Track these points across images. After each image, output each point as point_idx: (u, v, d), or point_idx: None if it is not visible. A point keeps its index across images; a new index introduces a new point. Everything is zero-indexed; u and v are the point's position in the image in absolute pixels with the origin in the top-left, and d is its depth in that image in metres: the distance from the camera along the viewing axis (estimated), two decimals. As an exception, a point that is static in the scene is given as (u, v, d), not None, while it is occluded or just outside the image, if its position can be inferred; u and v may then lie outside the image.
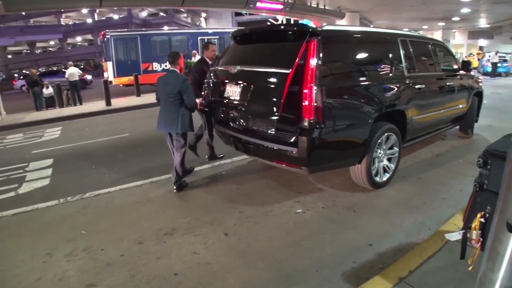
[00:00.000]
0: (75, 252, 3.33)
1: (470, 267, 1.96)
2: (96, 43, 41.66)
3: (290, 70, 3.58)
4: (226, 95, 4.50)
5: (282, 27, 4.08)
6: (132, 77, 15.31)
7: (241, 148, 4.49)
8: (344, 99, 3.87)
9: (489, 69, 21.67)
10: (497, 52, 23.12)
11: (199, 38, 18.54)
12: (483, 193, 2.17)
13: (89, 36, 46.56)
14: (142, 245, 3.39)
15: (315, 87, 3.46)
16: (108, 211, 4.22)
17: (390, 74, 4.44)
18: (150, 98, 13.98)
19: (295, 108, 3.61)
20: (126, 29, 22.17)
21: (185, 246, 3.33)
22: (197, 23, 46.56)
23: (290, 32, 3.94)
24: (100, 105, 12.94)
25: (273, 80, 3.88)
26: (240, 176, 5.15)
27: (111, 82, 15.99)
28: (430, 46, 5.46)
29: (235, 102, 4.31)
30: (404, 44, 4.68)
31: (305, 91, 3.49)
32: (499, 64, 21.74)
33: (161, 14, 44.39)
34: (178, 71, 4.43)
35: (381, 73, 4.39)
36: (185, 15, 46.27)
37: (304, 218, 3.80)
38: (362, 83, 4.02)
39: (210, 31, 20.91)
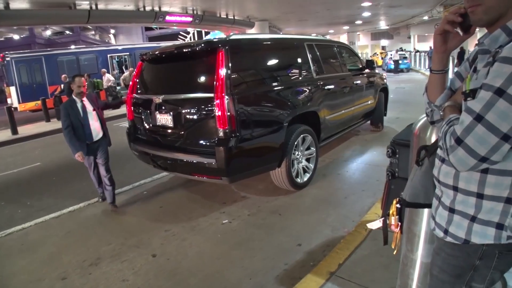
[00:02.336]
0: (-12, 303, 2.97)
1: (395, 251, 2.08)
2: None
3: (207, 88, 3.62)
4: (147, 118, 4.38)
5: (190, 45, 4.05)
6: (39, 102, 14.20)
7: (161, 165, 4.38)
8: (257, 105, 3.95)
9: (392, 66, 23.55)
10: (397, 51, 25.27)
11: (108, 55, 17.82)
12: (396, 180, 2.32)
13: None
14: (67, 281, 3.12)
15: (226, 97, 3.49)
16: (24, 249, 3.81)
17: (300, 78, 4.61)
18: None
19: (211, 119, 3.63)
20: (28, 50, 20.54)
21: (113, 275, 3.13)
22: (107, 40, 44.80)
23: (198, 49, 3.92)
24: (5, 134, 11.78)
25: (194, 100, 3.88)
26: (162, 194, 4.99)
27: (16, 108, 14.71)
28: (335, 48, 5.78)
29: (157, 122, 4.21)
30: (311, 48, 4.90)
31: (217, 101, 3.50)
32: (400, 61, 23.73)
33: (67, 32, 41.94)
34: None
35: (291, 77, 4.54)
36: (93, 32, 44.26)
37: (231, 228, 3.78)
38: (273, 88, 4.13)
39: (120, 47, 20.15)
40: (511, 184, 1.11)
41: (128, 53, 18.49)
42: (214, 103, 3.52)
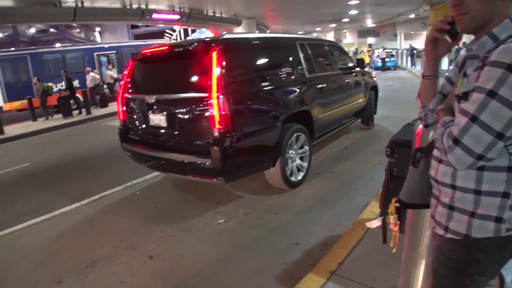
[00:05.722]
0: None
1: (394, 250, 2.12)
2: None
3: (201, 88, 3.60)
4: (140, 118, 4.33)
5: (183, 45, 4.03)
6: (25, 101, 13.95)
7: (155, 166, 4.34)
8: (251, 105, 3.95)
9: (380, 64, 23.79)
10: (384, 49, 25.51)
11: (95, 54, 17.54)
12: (394, 179, 2.35)
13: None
14: (62, 284, 3.05)
15: (221, 96, 3.47)
16: (14, 254, 3.71)
17: (293, 77, 4.62)
18: (48, 122, 12.94)
19: (205, 119, 3.62)
20: (12, 48, 20.13)
21: (110, 277, 3.08)
22: (91, 38, 44.20)
23: (192, 48, 3.89)
24: (-10, 135, 11.57)
25: (187, 100, 3.86)
26: (155, 194, 4.95)
27: (1, 108, 14.44)
28: (326, 47, 5.81)
29: (150, 123, 4.17)
30: (303, 47, 4.91)
31: (211, 101, 3.48)
32: (387, 59, 23.97)
33: (52, 30, 41.22)
34: None
35: (284, 76, 4.55)
36: (78, 30, 43.61)
37: (227, 228, 3.76)
38: (267, 88, 4.12)
39: (106, 45, 19.85)
40: (506, 180, 1.17)
41: (115, 51, 18.24)
42: (209, 102, 3.51)
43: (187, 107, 3.84)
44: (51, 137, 10.98)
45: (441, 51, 1.35)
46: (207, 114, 3.57)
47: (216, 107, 3.46)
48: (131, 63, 4.50)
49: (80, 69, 16.22)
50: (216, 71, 3.50)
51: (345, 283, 2.59)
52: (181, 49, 3.98)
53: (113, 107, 14.68)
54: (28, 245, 3.86)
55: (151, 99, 4.02)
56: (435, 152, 1.35)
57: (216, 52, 3.55)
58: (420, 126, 1.90)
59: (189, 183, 4.97)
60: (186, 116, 3.87)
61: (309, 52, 5.00)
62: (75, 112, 13.88)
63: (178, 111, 3.89)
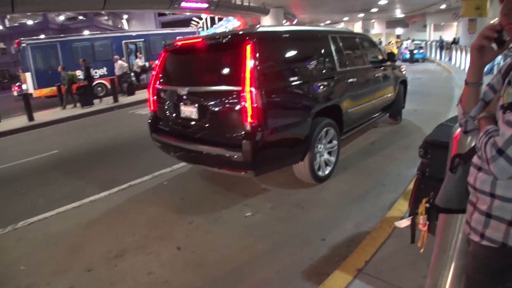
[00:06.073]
0: (16, 292, 2.99)
1: (422, 249, 2.12)
2: (9, 52, 38.32)
3: (233, 81, 3.60)
4: (171, 109, 4.38)
5: (217, 37, 4.02)
6: (54, 88, 14.31)
7: (184, 157, 4.38)
8: (283, 99, 3.92)
9: (408, 56, 23.22)
10: (413, 40, 24.89)
11: (123, 42, 17.79)
12: (426, 180, 2.33)
13: (1, 45, 42.73)
14: (93, 273, 3.13)
15: (254, 90, 3.46)
16: (47, 239, 3.82)
17: (324, 71, 4.56)
18: (76, 109, 13.23)
19: (237, 112, 3.62)
20: (44, 36, 20.60)
21: (139, 267, 3.14)
22: (119, 25, 44.83)
23: (225, 41, 3.88)
24: (21, 120, 11.89)
25: (219, 93, 3.86)
26: (182, 184, 5.00)
27: (31, 94, 14.84)
28: (357, 40, 5.70)
29: (181, 114, 4.20)
30: (335, 40, 4.83)
31: (244, 94, 3.48)
32: (415, 51, 23.38)
33: (80, 17, 41.99)
34: None
35: (315, 70, 4.50)
36: (106, 17, 44.28)
37: (255, 221, 3.78)
38: (298, 82, 4.08)
39: (134, 34, 20.10)
40: None
41: (143, 39, 18.44)
42: (241, 96, 3.50)
43: (219, 100, 3.84)
44: (79, 124, 11.24)
45: (487, 59, 1.34)
46: (239, 107, 3.57)
47: (249, 100, 3.45)
48: (163, 54, 4.53)
49: (108, 56, 16.49)
50: (250, 64, 3.49)
51: (372, 282, 2.57)
52: (214, 41, 3.98)
53: (140, 95, 14.92)
54: (59, 231, 3.96)
55: (183, 90, 4.04)
56: (475, 160, 1.35)
57: (250, 45, 3.53)
58: (458, 130, 1.85)
59: (216, 174, 4.99)
60: (217, 109, 3.88)
61: (341, 45, 4.92)
62: (96, 101, 14.01)
63: (209, 103, 3.91)
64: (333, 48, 4.73)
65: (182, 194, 4.64)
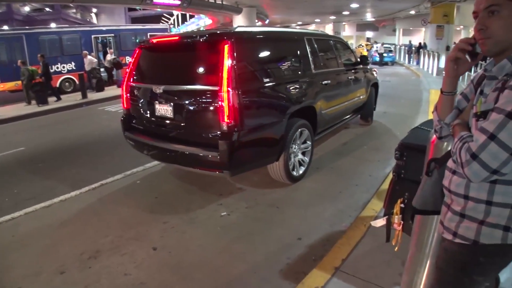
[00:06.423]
0: (-17, 299, 2.85)
1: (396, 248, 2.20)
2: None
3: (210, 80, 3.59)
4: (145, 107, 4.32)
5: (194, 36, 3.98)
6: (19, 82, 13.71)
7: (158, 156, 4.33)
8: (260, 99, 3.95)
9: (377, 59, 23.79)
10: (383, 44, 25.56)
11: (92, 36, 17.28)
12: (401, 181, 2.41)
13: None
14: (66, 275, 3.02)
15: (231, 90, 3.46)
16: (16, 241, 3.63)
17: (300, 72, 4.61)
18: (44, 105, 12.71)
19: (213, 112, 3.61)
20: (7, 28, 19.79)
21: (114, 268, 3.06)
22: (88, 19, 43.62)
23: (203, 40, 3.84)
24: (-17, 115, 11.35)
25: (195, 92, 3.85)
26: (156, 183, 4.93)
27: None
28: (332, 42, 5.80)
29: (156, 113, 4.15)
30: (310, 42, 4.90)
31: (221, 94, 3.47)
32: (385, 54, 24.00)
33: (47, 9, 40.52)
34: None
35: (291, 71, 4.55)
36: (74, 10, 42.96)
37: (231, 221, 3.78)
38: (275, 82, 4.11)
39: (104, 28, 19.59)
40: None
41: (113, 34, 18.01)
42: (218, 95, 3.49)
43: (195, 99, 3.83)
44: (45, 120, 10.80)
45: (461, 70, 1.44)
46: (215, 107, 3.56)
47: (225, 100, 3.45)
48: (137, 51, 4.45)
49: (77, 51, 16.01)
50: (227, 64, 3.48)
51: (349, 279, 2.64)
52: (191, 40, 3.94)
53: (109, 91, 14.57)
54: (29, 233, 3.78)
55: (159, 89, 3.99)
56: (450, 164, 1.45)
57: (228, 45, 3.53)
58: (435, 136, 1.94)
59: (189, 173, 4.94)
60: (193, 108, 3.87)
61: (316, 47, 4.99)
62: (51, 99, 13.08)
63: (185, 102, 3.88)
64: (308, 50, 4.79)
65: (155, 193, 4.56)
